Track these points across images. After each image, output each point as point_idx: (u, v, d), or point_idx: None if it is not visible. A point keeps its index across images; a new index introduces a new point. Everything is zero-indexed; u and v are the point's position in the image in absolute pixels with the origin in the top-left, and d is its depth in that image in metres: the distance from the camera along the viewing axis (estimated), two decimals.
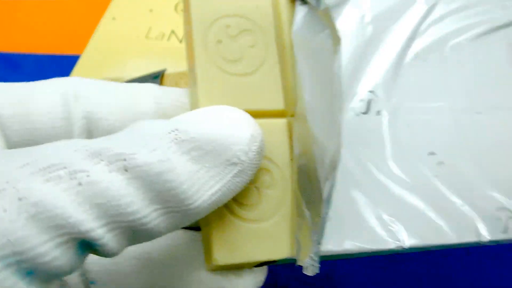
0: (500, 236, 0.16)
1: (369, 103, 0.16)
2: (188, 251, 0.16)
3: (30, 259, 0.10)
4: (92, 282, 0.16)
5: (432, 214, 0.15)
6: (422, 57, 0.17)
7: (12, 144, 0.15)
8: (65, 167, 0.11)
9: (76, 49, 0.35)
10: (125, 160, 0.12)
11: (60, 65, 0.35)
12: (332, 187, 0.14)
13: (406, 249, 0.15)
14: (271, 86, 0.16)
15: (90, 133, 0.16)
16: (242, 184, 0.14)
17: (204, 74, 0.15)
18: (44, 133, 0.15)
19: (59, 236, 0.11)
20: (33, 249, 0.10)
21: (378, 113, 0.16)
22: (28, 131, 0.15)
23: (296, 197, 0.15)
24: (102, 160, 0.12)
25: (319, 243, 0.14)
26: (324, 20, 0.16)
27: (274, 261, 0.15)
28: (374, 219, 0.15)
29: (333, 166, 0.14)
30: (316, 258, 0.14)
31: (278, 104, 0.16)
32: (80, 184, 0.11)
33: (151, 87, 0.17)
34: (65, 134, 0.16)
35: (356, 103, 0.16)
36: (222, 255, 0.14)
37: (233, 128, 0.13)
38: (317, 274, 0.14)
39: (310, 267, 0.14)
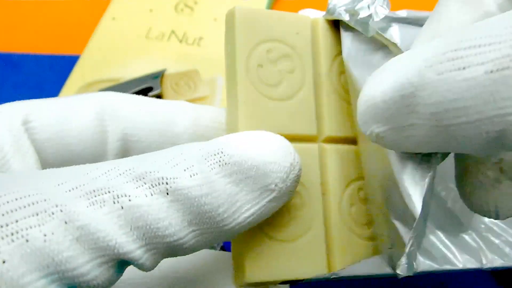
0: None
1: None
2: (215, 268, 0.16)
3: (72, 277, 0.11)
4: None
5: None
6: None
7: (47, 165, 0.16)
8: (109, 191, 0.12)
9: (76, 49, 0.35)
10: (167, 184, 0.12)
11: (60, 65, 0.35)
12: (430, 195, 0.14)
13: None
14: (306, 111, 0.16)
15: (125, 153, 0.16)
16: (277, 208, 0.14)
17: (245, 97, 0.16)
18: (79, 153, 0.16)
19: (100, 257, 0.12)
20: (75, 269, 0.11)
21: None
22: (64, 153, 0.16)
23: (382, 212, 0.15)
24: (145, 183, 0.12)
25: (417, 245, 0.14)
26: (379, 39, 0.16)
27: (301, 280, 0.15)
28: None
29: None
30: (412, 258, 0.14)
31: (311, 129, 0.16)
32: (122, 208, 0.12)
33: (186, 106, 0.17)
34: (101, 155, 0.16)
35: None
36: (253, 273, 0.15)
37: (274, 155, 0.14)
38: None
39: (404, 266, 0.14)
